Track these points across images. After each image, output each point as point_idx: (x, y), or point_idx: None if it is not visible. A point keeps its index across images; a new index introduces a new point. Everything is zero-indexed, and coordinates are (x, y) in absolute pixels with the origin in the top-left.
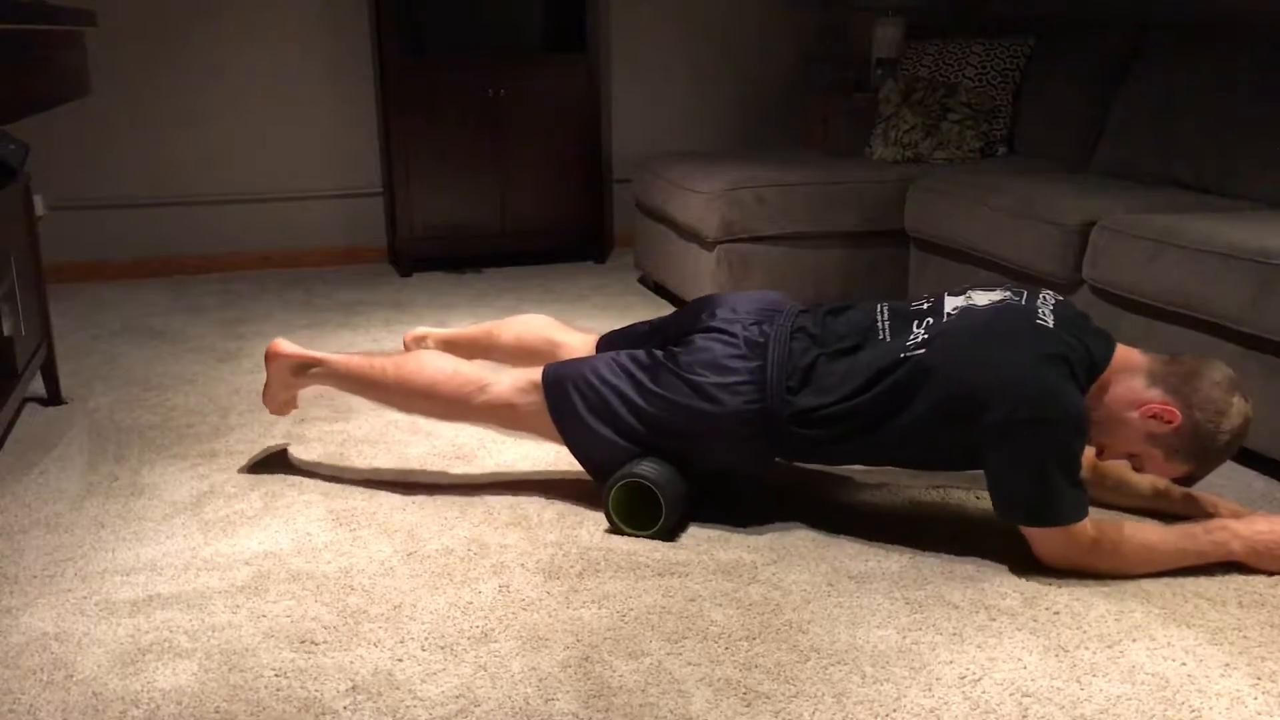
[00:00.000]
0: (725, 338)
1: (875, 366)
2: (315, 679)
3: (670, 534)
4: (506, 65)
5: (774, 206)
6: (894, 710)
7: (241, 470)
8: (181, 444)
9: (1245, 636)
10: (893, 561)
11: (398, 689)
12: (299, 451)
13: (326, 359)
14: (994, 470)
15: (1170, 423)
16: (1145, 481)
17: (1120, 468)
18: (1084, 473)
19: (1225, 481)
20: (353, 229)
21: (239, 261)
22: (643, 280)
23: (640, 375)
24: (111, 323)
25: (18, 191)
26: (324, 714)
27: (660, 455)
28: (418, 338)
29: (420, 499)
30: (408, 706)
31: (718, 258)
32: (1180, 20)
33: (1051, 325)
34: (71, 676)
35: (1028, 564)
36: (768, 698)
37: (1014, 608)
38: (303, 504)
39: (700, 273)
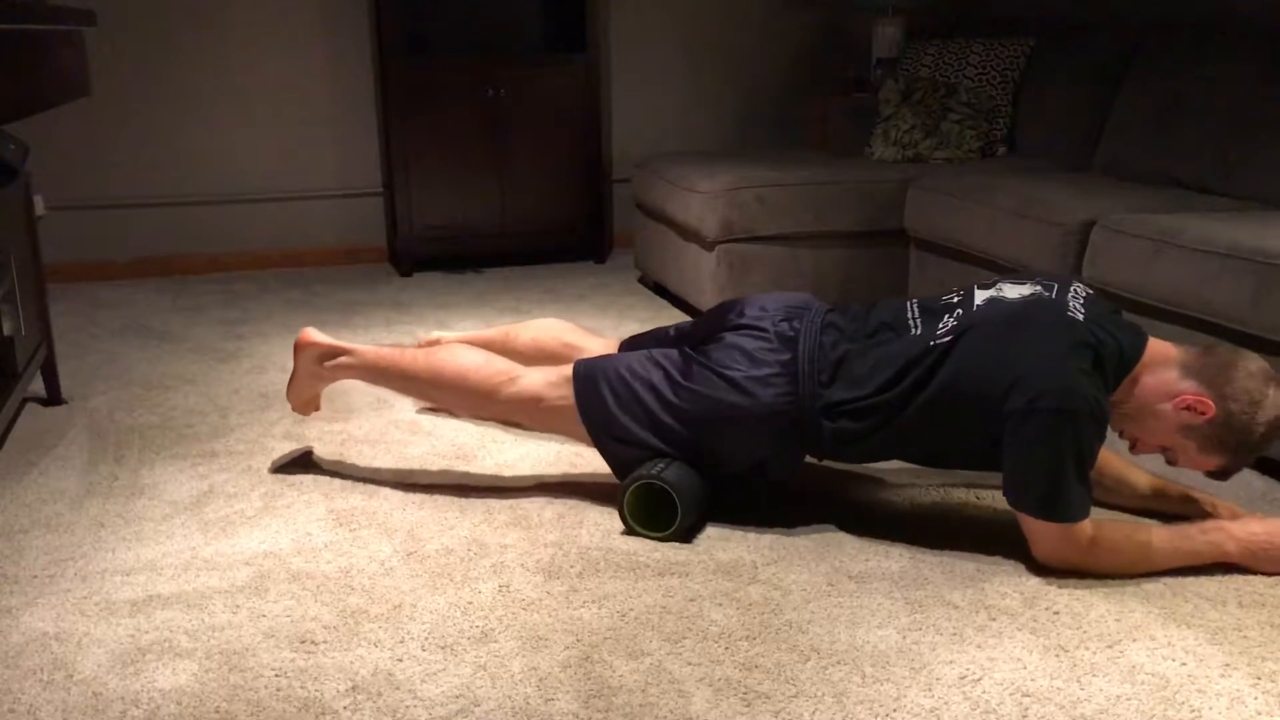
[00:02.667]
0: (756, 333)
1: (905, 357)
2: (315, 679)
3: (685, 536)
4: (506, 65)
5: (774, 206)
6: (894, 710)
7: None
8: (181, 444)
9: (1245, 636)
10: (893, 561)
11: (398, 689)
12: (313, 451)
13: (356, 349)
14: (1010, 456)
15: (1204, 414)
16: (1143, 481)
17: (1118, 466)
18: None
19: (1225, 481)
20: (353, 229)
21: (239, 261)
22: (643, 280)
23: (672, 370)
24: (111, 323)
25: (18, 191)
26: (324, 714)
27: (690, 453)
28: (431, 342)
29: (420, 499)
30: (408, 706)
31: (718, 258)
32: (1180, 20)
33: (1081, 318)
34: (71, 676)
35: (1028, 564)
36: (768, 698)
37: (1014, 608)
38: (303, 504)
39: (700, 273)
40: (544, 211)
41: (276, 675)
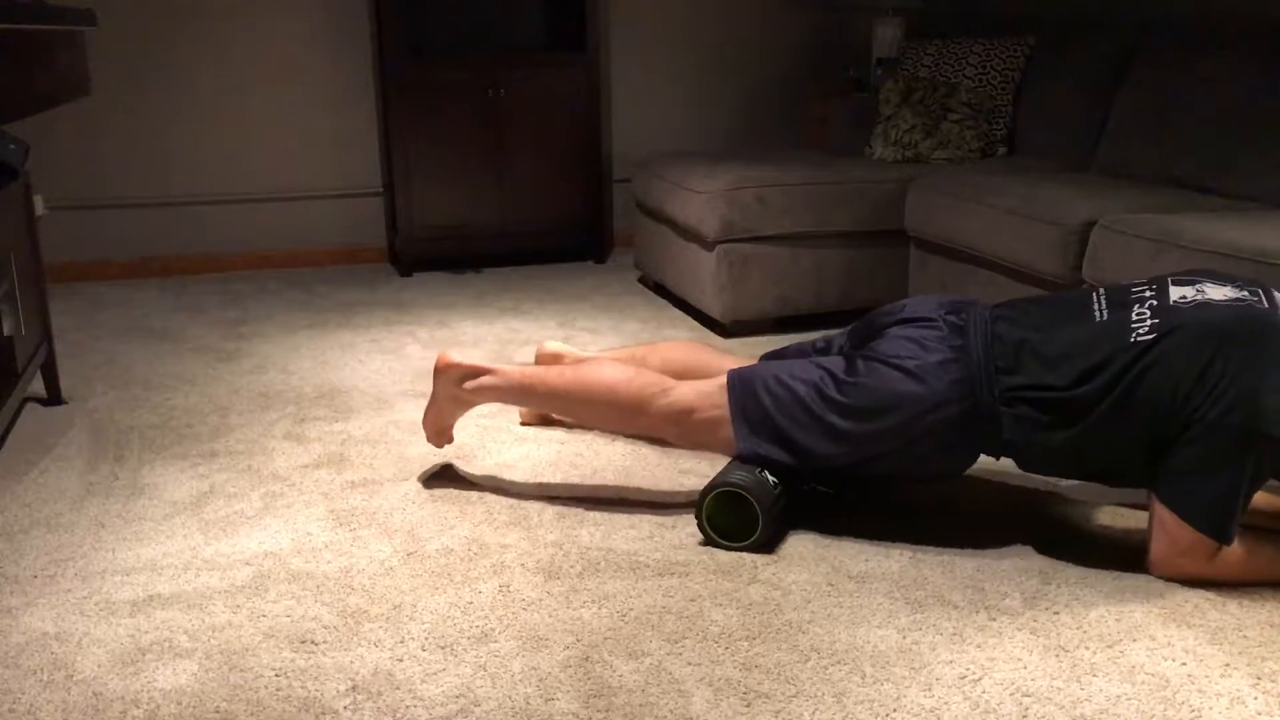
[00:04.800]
0: (923, 324)
1: (1100, 349)
2: (315, 679)
3: (767, 546)
4: (506, 65)
5: (774, 206)
6: (894, 710)
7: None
8: (181, 444)
9: (1245, 636)
10: (893, 561)
11: (398, 689)
12: (302, 453)
13: (499, 369)
14: (1189, 457)
15: None
16: (1261, 499)
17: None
18: None
19: None
20: (353, 229)
21: (239, 261)
22: (643, 280)
23: (835, 369)
24: (111, 323)
25: (18, 191)
26: (324, 714)
27: (855, 455)
28: (553, 354)
29: (420, 499)
30: (408, 706)
31: (718, 258)
32: (1180, 20)
33: None
34: (71, 676)
35: (1028, 564)
36: (768, 698)
37: (1014, 608)
38: (303, 504)
39: (700, 273)
40: (544, 211)
41: (276, 675)
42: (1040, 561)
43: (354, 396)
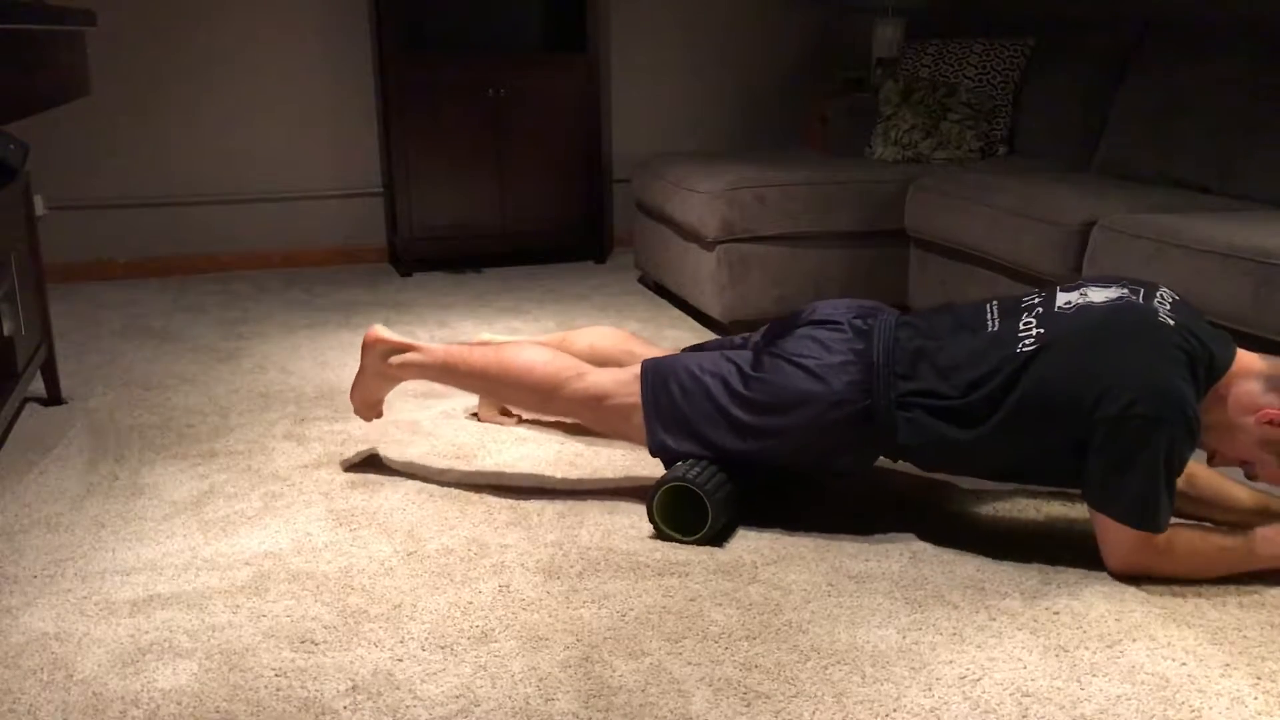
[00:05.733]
0: (830, 326)
1: (989, 359)
2: (315, 679)
3: (717, 539)
4: (506, 65)
5: (774, 206)
6: (894, 710)
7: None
8: (181, 444)
9: (1245, 636)
10: (893, 561)
11: (398, 689)
12: (302, 453)
13: (424, 346)
14: (1100, 460)
15: None
16: (1244, 496)
17: (1214, 480)
18: (1178, 484)
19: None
20: (353, 229)
21: (239, 261)
22: (643, 280)
23: (743, 364)
24: (111, 323)
25: (18, 191)
26: (324, 714)
27: (758, 449)
28: (481, 343)
29: (420, 499)
30: (408, 706)
31: (718, 258)
32: (1180, 20)
33: (1173, 324)
34: (71, 676)
35: (1028, 564)
36: (768, 698)
37: (1014, 608)
38: (303, 504)
39: (700, 273)
40: (544, 211)
41: (276, 675)
42: (1040, 561)
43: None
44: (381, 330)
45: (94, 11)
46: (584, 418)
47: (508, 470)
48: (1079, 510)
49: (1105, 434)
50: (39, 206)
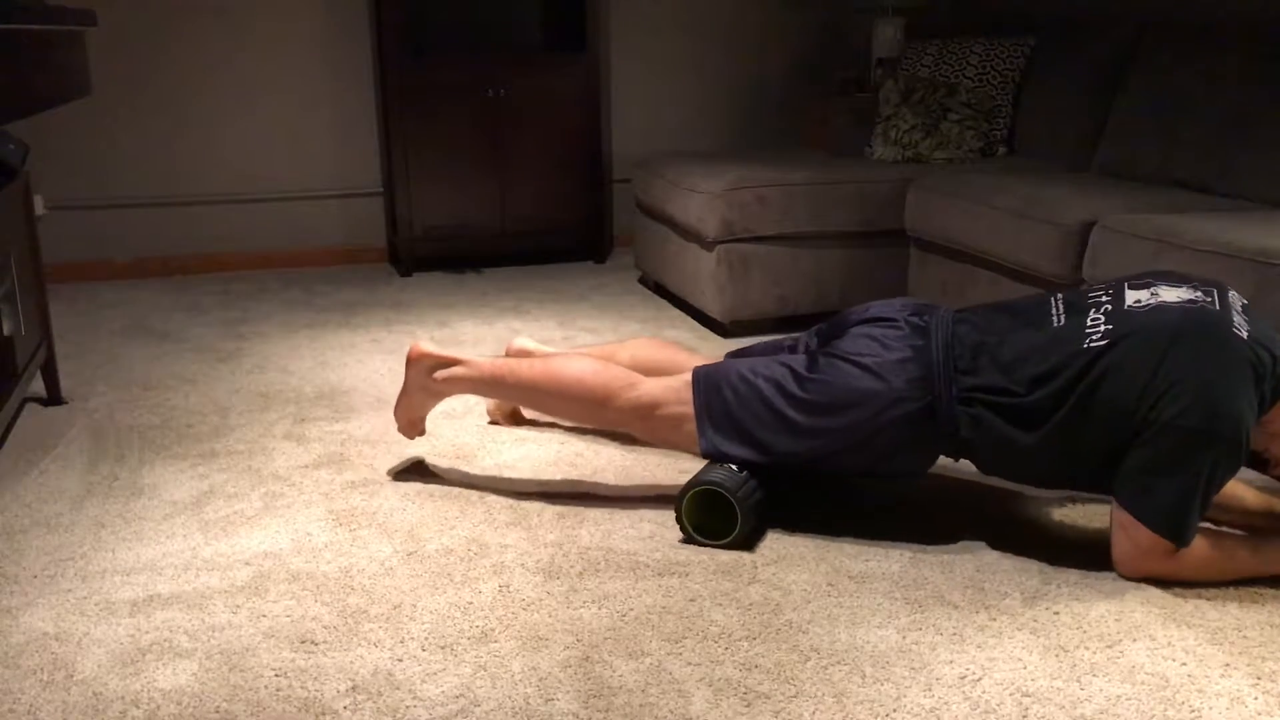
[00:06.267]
0: (886, 324)
1: (1054, 355)
2: (315, 679)
3: (746, 543)
4: (506, 65)
5: (774, 206)
6: (894, 710)
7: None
8: (181, 444)
9: (1245, 636)
10: (893, 561)
11: (398, 689)
12: (302, 453)
13: (470, 360)
14: (1144, 459)
15: None
16: (1251, 497)
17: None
18: None
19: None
20: (353, 229)
21: (239, 261)
22: (643, 280)
23: (797, 366)
24: (111, 323)
25: (18, 191)
26: (324, 714)
27: (815, 452)
28: (521, 350)
29: (420, 499)
30: (408, 706)
31: (718, 258)
32: (1180, 20)
33: (1246, 335)
34: (71, 676)
35: (1028, 564)
36: (768, 698)
37: (1014, 608)
38: (303, 504)
39: (700, 273)
40: (544, 211)
41: (276, 675)
42: (1040, 561)
43: (354, 396)
44: (426, 345)
45: (94, 11)
46: (635, 428)
47: (508, 470)
48: (1079, 511)
49: (1155, 435)
50: (39, 206)
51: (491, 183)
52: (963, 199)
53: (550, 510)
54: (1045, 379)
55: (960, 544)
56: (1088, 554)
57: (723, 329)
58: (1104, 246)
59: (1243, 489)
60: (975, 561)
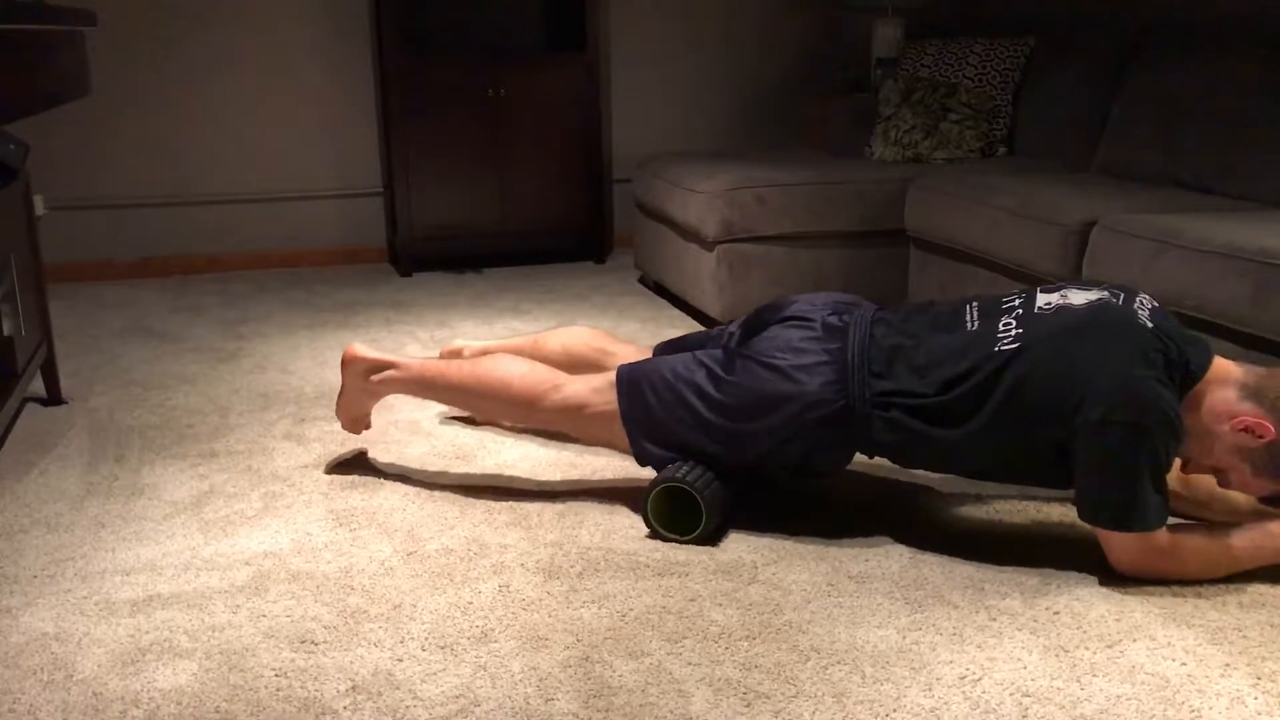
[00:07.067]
0: (802, 323)
1: (966, 358)
2: (315, 679)
3: (711, 539)
4: (506, 65)
5: (774, 206)
6: (894, 710)
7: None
8: (181, 444)
9: (1245, 636)
10: (893, 561)
11: (398, 689)
12: (302, 453)
13: (402, 362)
14: (1084, 471)
15: (1262, 437)
16: (1241, 498)
17: (1209, 482)
18: (1173, 485)
19: None
20: (353, 229)
21: (239, 261)
22: (643, 280)
23: (715, 367)
24: (111, 323)
25: (18, 191)
26: (324, 714)
27: (735, 453)
28: (453, 351)
29: (420, 499)
30: (408, 706)
31: (718, 258)
32: (1180, 20)
33: (1150, 327)
34: (71, 676)
35: (1028, 564)
36: (768, 698)
37: (1014, 608)
38: (303, 504)
39: (700, 273)
40: (544, 211)
41: (276, 675)
42: (1040, 561)
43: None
44: (359, 348)
45: (94, 11)
46: (566, 427)
47: (508, 470)
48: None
49: (1085, 442)
50: (39, 206)
51: (491, 183)
52: (963, 199)
53: (550, 510)
54: (957, 381)
55: (960, 544)
56: (1088, 554)
57: None
58: (1104, 246)
59: (1232, 493)
60: (975, 561)
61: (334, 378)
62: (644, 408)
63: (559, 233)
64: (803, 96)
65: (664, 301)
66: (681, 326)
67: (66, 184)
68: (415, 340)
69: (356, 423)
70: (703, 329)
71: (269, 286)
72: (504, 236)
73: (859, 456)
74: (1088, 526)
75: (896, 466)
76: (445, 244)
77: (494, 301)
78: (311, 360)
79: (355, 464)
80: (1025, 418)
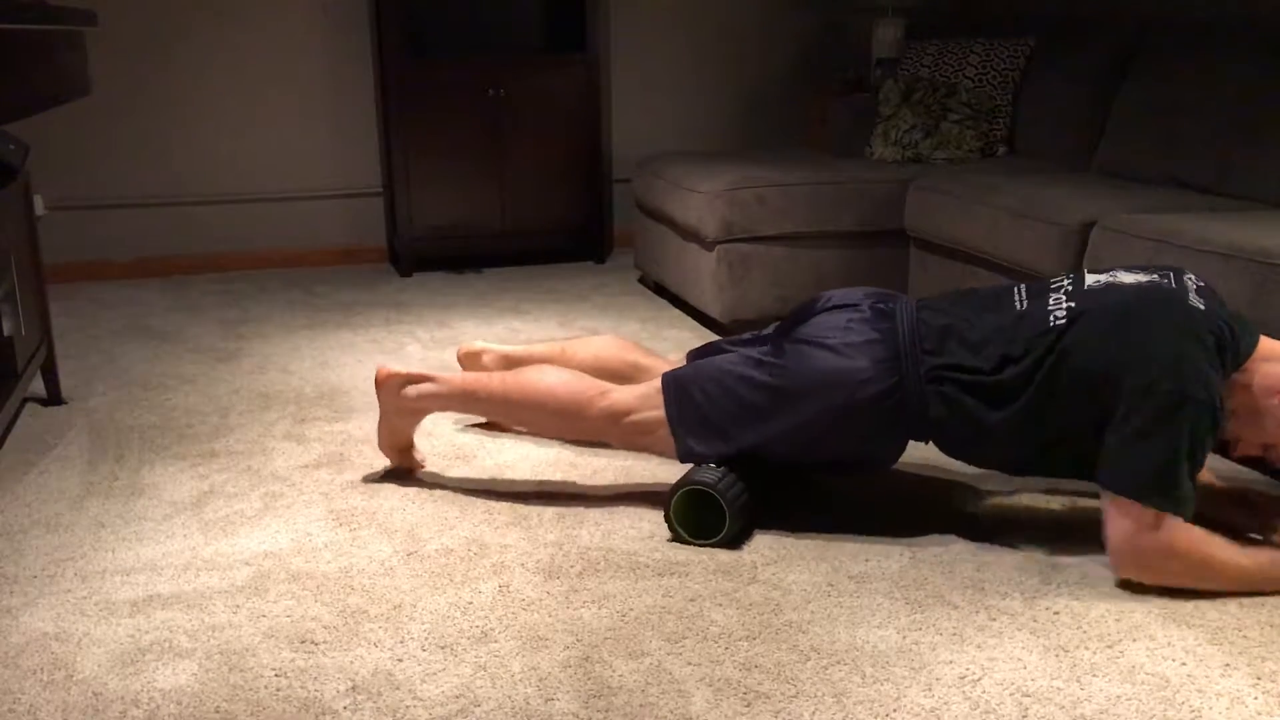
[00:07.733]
0: (849, 309)
1: (1021, 336)
2: (315, 679)
3: (734, 542)
4: (506, 65)
5: (774, 206)
6: (894, 710)
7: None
8: (181, 444)
9: (1245, 636)
10: (893, 561)
11: (398, 689)
12: (302, 453)
13: (440, 376)
14: (1118, 434)
15: None
16: (1264, 501)
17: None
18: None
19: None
20: (353, 229)
21: (239, 261)
22: (643, 280)
23: (762, 356)
24: (111, 323)
25: (18, 191)
26: (324, 714)
27: (785, 442)
28: (472, 353)
29: (420, 499)
30: (408, 706)
31: (718, 258)
32: (1180, 20)
33: (1202, 308)
34: (71, 676)
35: (1028, 564)
36: (768, 698)
37: (1014, 608)
38: (303, 504)
39: (700, 273)
40: (544, 211)
41: (276, 675)
42: (1040, 561)
43: (354, 396)
44: (390, 365)
45: (94, 11)
46: (610, 436)
47: (508, 470)
48: (1079, 512)
49: (1126, 408)
50: (39, 206)
51: (491, 183)
52: (963, 199)
53: (550, 510)
54: (1013, 359)
55: (960, 544)
56: (1088, 555)
57: (723, 329)
58: (1104, 246)
59: (1207, 475)
60: (975, 561)
61: (334, 377)
62: (693, 408)
63: (559, 233)
64: (803, 96)
65: (664, 301)
66: (681, 327)
67: (66, 184)
68: (415, 340)
69: (403, 454)
70: (715, 337)
71: (269, 286)
72: (504, 236)
73: None
74: (1088, 527)
75: (898, 466)
76: (445, 244)
77: (494, 301)
78: (311, 360)
79: (355, 464)
80: (1074, 390)
